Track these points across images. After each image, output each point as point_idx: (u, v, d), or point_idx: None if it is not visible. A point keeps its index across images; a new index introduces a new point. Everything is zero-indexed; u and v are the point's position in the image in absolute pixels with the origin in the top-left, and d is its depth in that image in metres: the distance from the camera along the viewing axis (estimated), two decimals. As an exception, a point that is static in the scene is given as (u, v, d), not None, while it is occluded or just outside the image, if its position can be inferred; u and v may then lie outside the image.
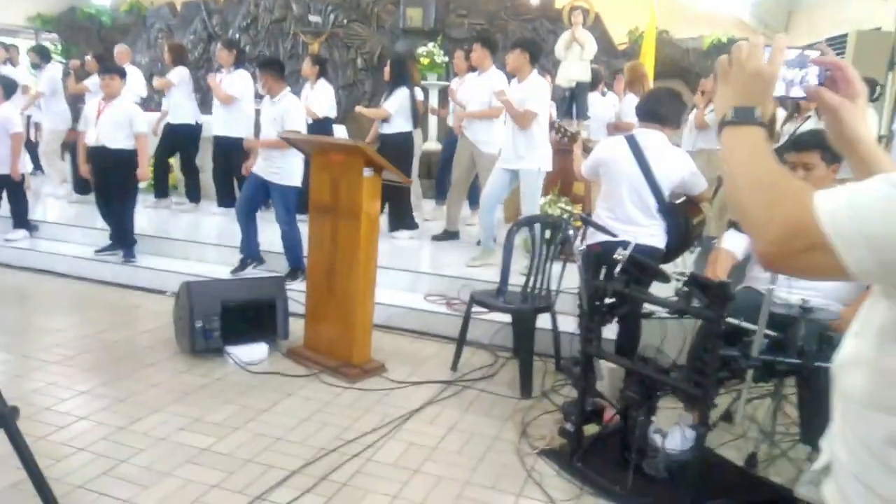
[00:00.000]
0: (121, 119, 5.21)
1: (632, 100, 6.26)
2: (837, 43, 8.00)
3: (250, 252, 5.15)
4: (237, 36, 10.60)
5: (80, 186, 7.13)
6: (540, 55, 5.23)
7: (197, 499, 2.54)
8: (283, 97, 4.91)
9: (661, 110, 3.31)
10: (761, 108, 1.00)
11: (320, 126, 6.34)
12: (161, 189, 7.04)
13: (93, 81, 6.91)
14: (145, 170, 5.43)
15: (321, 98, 6.41)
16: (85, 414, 3.13)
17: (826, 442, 0.99)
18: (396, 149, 5.76)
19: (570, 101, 6.23)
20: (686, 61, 9.73)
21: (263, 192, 5.04)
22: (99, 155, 5.25)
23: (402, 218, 6.01)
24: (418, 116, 6.16)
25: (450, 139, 6.66)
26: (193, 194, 7.06)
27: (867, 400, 0.87)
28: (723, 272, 2.88)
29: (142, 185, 5.50)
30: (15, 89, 6.01)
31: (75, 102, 7.55)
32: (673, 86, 9.71)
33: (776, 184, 0.89)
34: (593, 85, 6.60)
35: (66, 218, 6.52)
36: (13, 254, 5.75)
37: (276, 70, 4.97)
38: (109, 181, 5.29)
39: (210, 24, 10.93)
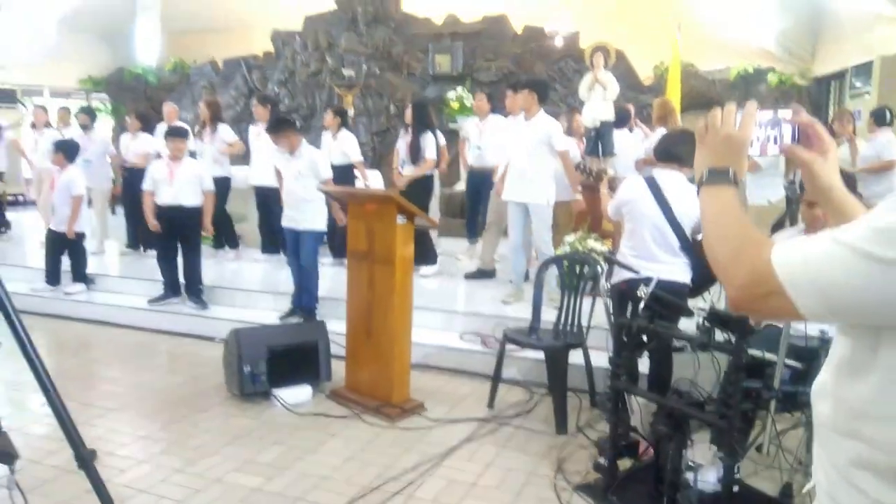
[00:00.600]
0: (192, 178, 5.67)
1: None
2: (863, 69, 8.04)
3: (301, 303, 5.38)
4: (276, 90, 11.11)
5: (133, 241, 7.49)
6: (548, 95, 5.49)
7: (250, 536, 2.70)
8: (303, 151, 5.20)
9: (676, 151, 3.44)
10: (734, 168, 1.14)
11: (343, 172, 6.57)
12: (233, 240, 7.37)
13: (142, 143, 7.32)
14: (209, 224, 5.85)
15: (351, 145, 6.71)
16: (145, 458, 3.34)
17: (812, 466, 1.11)
18: (421, 190, 6.07)
19: (596, 140, 6.41)
20: (713, 93, 9.83)
21: None
22: (174, 213, 5.61)
23: (422, 253, 6.23)
24: (441, 160, 6.41)
25: (471, 179, 6.88)
26: (232, 241, 7.38)
27: (832, 426, 1.00)
28: None
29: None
30: (77, 152, 6.42)
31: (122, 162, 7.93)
32: (701, 118, 9.76)
33: (741, 238, 1.03)
34: (622, 122, 6.76)
35: (120, 271, 6.89)
36: (72, 306, 6.09)
37: (293, 127, 5.32)
38: (184, 236, 5.68)
39: (251, 79, 11.49)
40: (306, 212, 5.20)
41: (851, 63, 8.42)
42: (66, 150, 6.19)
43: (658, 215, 3.44)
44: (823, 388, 1.03)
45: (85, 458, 1.71)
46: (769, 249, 0.97)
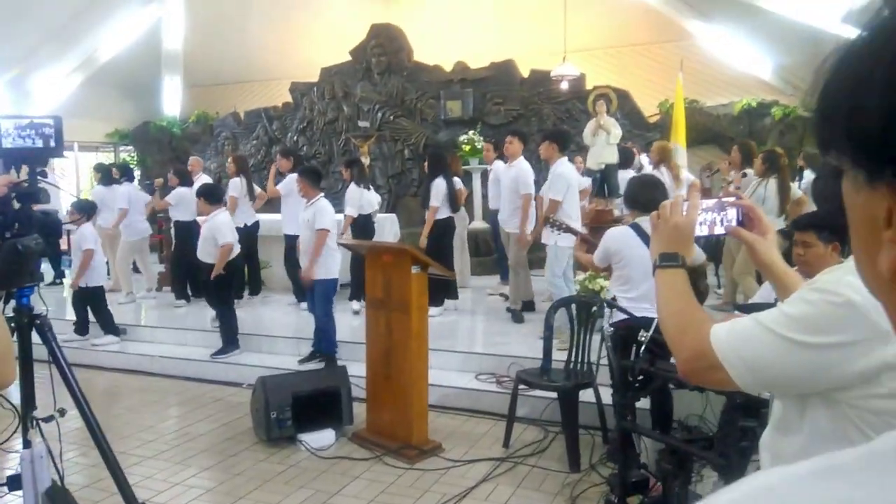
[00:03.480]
0: (209, 236, 5.79)
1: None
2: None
3: (320, 349, 5.54)
4: (295, 138, 11.53)
5: (180, 292, 7.65)
6: (568, 144, 5.72)
7: (280, 576, 2.88)
8: (315, 202, 5.46)
9: (640, 199, 3.64)
10: (682, 252, 1.34)
11: (363, 221, 6.81)
12: (254, 286, 7.64)
13: (175, 195, 7.62)
14: (219, 271, 5.85)
15: (350, 199, 6.88)
16: None
17: None
18: (440, 233, 6.31)
19: (602, 182, 6.66)
20: (719, 127, 10.04)
21: None
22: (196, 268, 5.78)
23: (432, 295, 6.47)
24: (457, 203, 6.65)
25: (492, 221, 7.11)
26: (255, 287, 7.63)
27: None
28: None
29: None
30: (94, 210, 6.73)
31: (154, 215, 8.33)
32: (707, 152, 9.99)
33: (686, 316, 1.23)
34: (626, 163, 6.99)
35: (150, 321, 7.15)
36: (104, 356, 6.32)
37: (313, 177, 5.59)
38: (208, 291, 5.88)
39: (270, 129, 11.93)
40: (318, 260, 5.41)
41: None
42: (77, 209, 6.38)
43: (647, 257, 3.62)
44: (764, 441, 1.23)
45: (138, 508, 1.92)
46: (708, 328, 1.17)
